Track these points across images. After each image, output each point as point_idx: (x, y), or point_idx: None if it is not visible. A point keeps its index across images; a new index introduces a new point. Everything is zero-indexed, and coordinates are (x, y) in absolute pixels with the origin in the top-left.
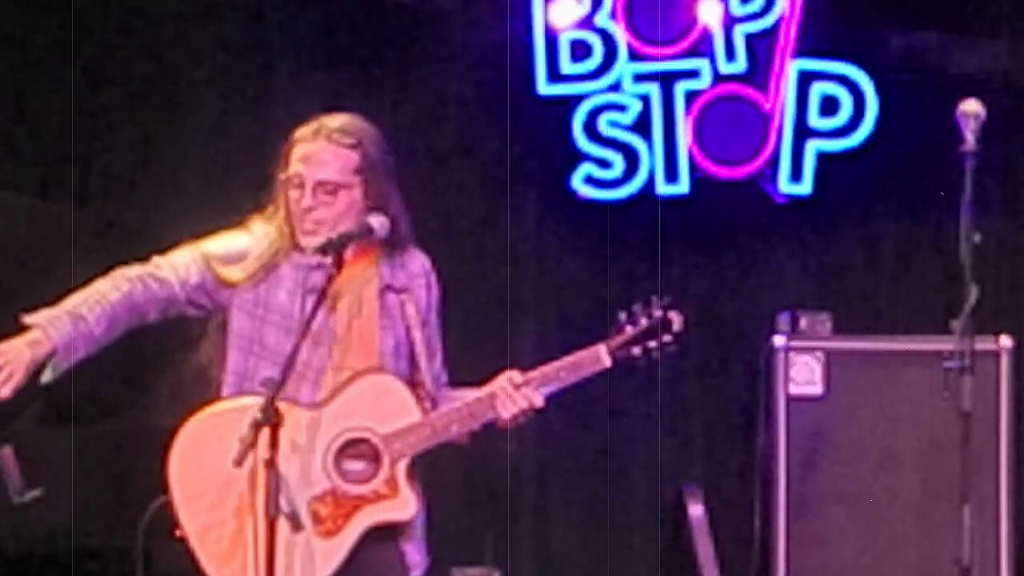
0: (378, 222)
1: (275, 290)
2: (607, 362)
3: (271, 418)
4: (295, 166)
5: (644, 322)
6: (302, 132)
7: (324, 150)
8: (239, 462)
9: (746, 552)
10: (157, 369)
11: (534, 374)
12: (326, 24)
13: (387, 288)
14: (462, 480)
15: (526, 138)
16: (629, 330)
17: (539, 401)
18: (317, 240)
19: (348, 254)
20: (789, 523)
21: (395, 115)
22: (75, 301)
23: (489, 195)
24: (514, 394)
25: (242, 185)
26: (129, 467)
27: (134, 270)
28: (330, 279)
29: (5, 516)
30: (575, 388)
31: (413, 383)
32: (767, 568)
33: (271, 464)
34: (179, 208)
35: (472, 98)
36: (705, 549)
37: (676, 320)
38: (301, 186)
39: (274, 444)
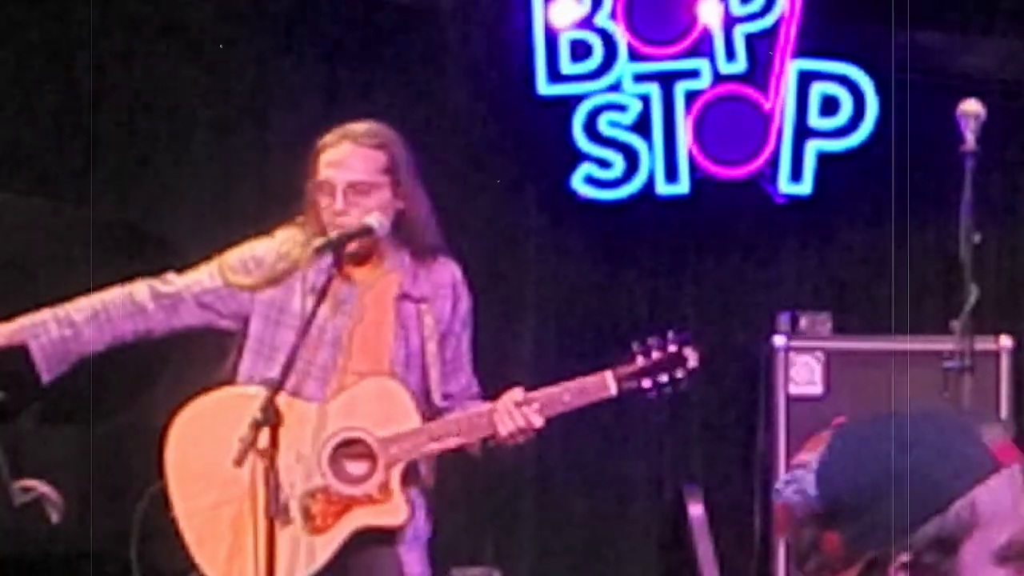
0: (377, 222)
1: (292, 295)
2: (613, 390)
3: (271, 418)
4: (324, 172)
5: (656, 355)
6: (327, 139)
7: (351, 152)
8: (239, 462)
9: (746, 552)
10: (157, 369)
11: (537, 395)
12: (325, 24)
13: (404, 297)
14: (462, 481)
15: (526, 138)
16: (640, 361)
17: (538, 422)
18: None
19: (370, 258)
20: None
21: (394, 116)
22: (68, 305)
23: (489, 195)
24: (514, 412)
25: (243, 184)
26: (129, 467)
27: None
28: (330, 279)
29: (4, 516)
30: None
31: (424, 394)
32: (767, 568)
33: (271, 464)
34: (180, 207)
35: (472, 98)
36: (705, 549)
37: (691, 357)
38: (332, 191)
39: (274, 444)
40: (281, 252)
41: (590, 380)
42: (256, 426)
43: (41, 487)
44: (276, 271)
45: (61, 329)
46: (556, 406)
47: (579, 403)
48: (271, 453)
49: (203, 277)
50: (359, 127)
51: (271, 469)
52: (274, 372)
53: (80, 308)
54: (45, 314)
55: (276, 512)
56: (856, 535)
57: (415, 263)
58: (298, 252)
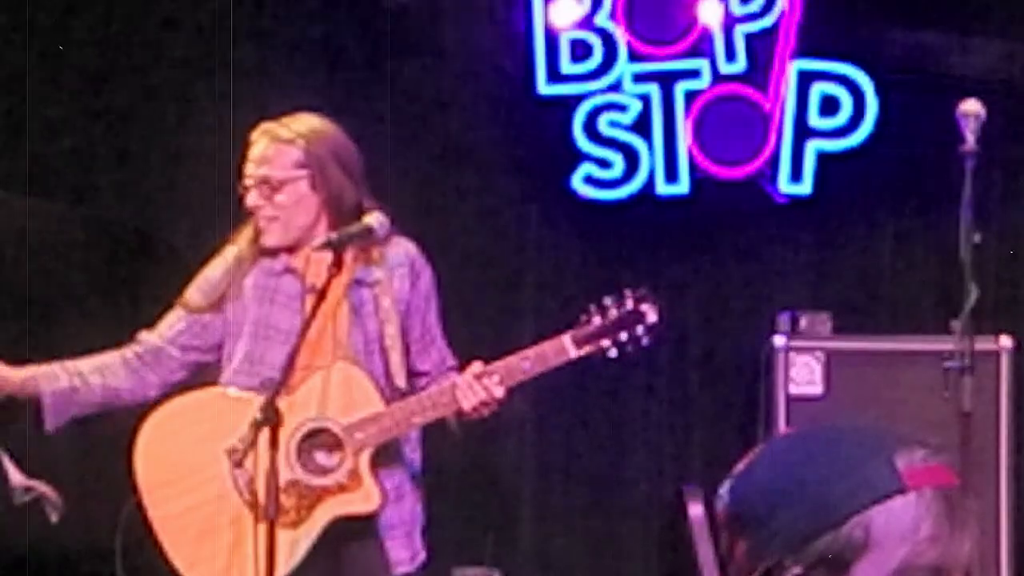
0: (378, 222)
1: (248, 302)
2: (572, 353)
3: (271, 418)
4: (246, 169)
5: (614, 313)
6: (252, 135)
7: (265, 148)
8: (240, 463)
9: None
10: None
11: (497, 365)
12: (325, 25)
13: (356, 283)
14: (462, 480)
15: (526, 138)
16: (597, 321)
17: (499, 393)
18: (273, 238)
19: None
20: None
21: (394, 116)
22: (75, 360)
23: (489, 195)
24: (475, 385)
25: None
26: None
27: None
28: (330, 279)
29: (4, 516)
30: (575, 387)
31: (387, 378)
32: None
33: (271, 465)
34: (178, 208)
35: (471, 98)
36: (705, 549)
37: (649, 312)
38: (250, 188)
39: (274, 444)
40: (229, 266)
41: (548, 345)
42: (256, 426)
43: (41, 487)
44: (222, 287)
45: (71, 380)
46: (516, 375)
47: (539, 369)
48: (272, 454)
49: (173, 321)
50: (280, 122)
51: (272, 471)
52: (244, 380)
53: (85, 363)
54: (54, 365)
55: (277, 514)
56: (755, 544)
57: (364, 248)
58: (242, 257)
